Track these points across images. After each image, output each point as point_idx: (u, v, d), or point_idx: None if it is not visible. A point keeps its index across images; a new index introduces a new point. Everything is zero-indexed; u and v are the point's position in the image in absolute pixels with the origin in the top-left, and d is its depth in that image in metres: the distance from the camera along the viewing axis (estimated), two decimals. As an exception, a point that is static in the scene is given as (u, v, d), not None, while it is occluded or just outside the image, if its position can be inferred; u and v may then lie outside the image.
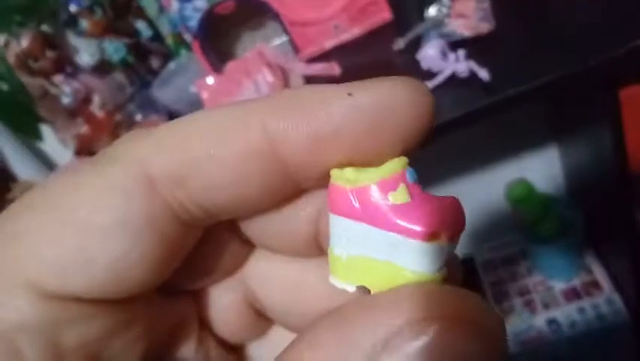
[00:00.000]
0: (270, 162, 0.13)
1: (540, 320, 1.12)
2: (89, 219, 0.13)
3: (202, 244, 0.15)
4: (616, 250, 1.05)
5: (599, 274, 1.13)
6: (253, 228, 0.16)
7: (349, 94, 0.13)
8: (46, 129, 1.06)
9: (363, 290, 0.13)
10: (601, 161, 0.86)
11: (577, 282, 1.14)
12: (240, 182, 0.13)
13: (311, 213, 0.15)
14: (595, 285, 1.12)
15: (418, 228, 0.12)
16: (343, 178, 0.13)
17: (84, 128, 1.01)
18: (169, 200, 0.13)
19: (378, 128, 0.13)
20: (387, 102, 0.13)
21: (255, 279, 0.18)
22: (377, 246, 0.13)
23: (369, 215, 0.13)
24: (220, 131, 0.13)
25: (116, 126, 0.97)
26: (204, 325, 0.17)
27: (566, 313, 1.11)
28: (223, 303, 0.17)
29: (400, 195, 0.13)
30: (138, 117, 0.94)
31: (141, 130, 0.14)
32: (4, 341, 0.12)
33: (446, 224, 0.12)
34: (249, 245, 0.17)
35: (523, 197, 1.05)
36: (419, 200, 0.13)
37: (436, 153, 1.00)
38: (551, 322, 1.11)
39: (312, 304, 0.17)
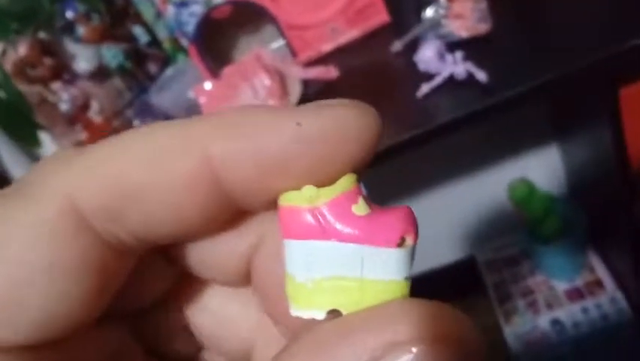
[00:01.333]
0: (212, 188, 0.13)
1: (543, 321, 1.12)
2: (16, 260, 0.12)
3: (137, 270, 0.15)
4: (618, 248, 1.04)
5: (602, 273, 1.12)
6: (188, 258, 0.15)
7: (298, 123, 0.12)
8: (45, 136, 1.06)
9: (334, 314, 0.13)
10: (602, 160, 0.85)
11: (580, 282, 1.13)
12: (180, 211, 0.13)
13: (246, 246, 0.15)
14: (598, 284, 1.11)
15: (388, 235, 0.12)
16: (300, 198, 0.13)
17: (83, 135, 1.00)
18: (101, 233, 0.12)
19: (327, 156, 0.13)
20: (335, 131, 0.12)
21: (188, 305, 0.17)
22: (345, 262, 0.12)
23: (334, 231, 0.12)
24: (157, 156, 0.12)
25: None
26: (149, 347, 0.17)
27: (569, 313, 1.11)
28: (165, 326, 0.17)
29: (362, 208, 0.13)
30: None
31: (66, 153, 0.13)
32: None
33: (408, 228, 0.12)
34: (185, 271, 0.16)
35: (525, 197, 1.05)
36: (378, 210, 0.13)
37: (436, 154, 1.00)
38: (555, 322, 1.11)
39: (236, 336, 0.17)
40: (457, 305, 0.12)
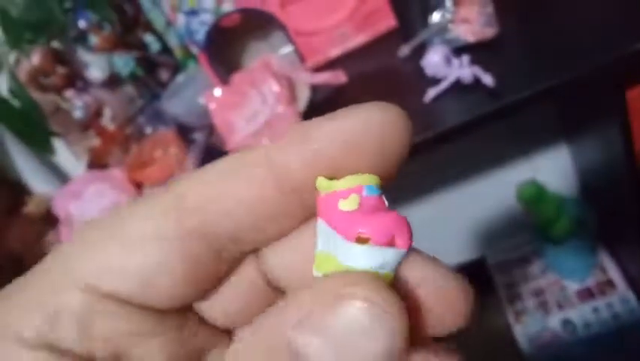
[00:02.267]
0: (276, 187, 0.16)
1: (554, 321, 1.12)
2: (132, 233, 0.16)
3: (237, 289, 0.18)
4: (629, 248, 1.04)
5: (613, 273, 1.12)
6: (280, 276, 0.18)
7: (331, 120, 0.15)
8: (59, 143, 1.08)
9: None
10: (611, 160, 0.86)
11: (591, 282, 1.13)
12: (254, 207, 0.16)
13: None
14: (609, 284, 1.11)
15: (350, 230, 0.15)
16: (320, 186, 0.16)
17: (96, 141, 1.02)
18: (197, 225, 0.16)
19: (356, 148, 0.15)
20: (362, 126, 0.15)
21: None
22: (332, 244, 0.15)
23: (326, 217, 0.15)
24: (234, 169, 0.16)
25: (127, 139, 0.98)
26: None
27: (580, 313, 1.11)
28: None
29: (349, 204, 0.15)
30: (148, 130, 0.95)
31: (188, 173, 0.17)
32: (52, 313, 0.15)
33: (377, 231, 0.14)
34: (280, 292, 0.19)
35: (534, 198, 1.05)
36: (365, 209, 0.15)
37: (445, 156, 1.00)
38: (566, 322, 1.11)
39: None
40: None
